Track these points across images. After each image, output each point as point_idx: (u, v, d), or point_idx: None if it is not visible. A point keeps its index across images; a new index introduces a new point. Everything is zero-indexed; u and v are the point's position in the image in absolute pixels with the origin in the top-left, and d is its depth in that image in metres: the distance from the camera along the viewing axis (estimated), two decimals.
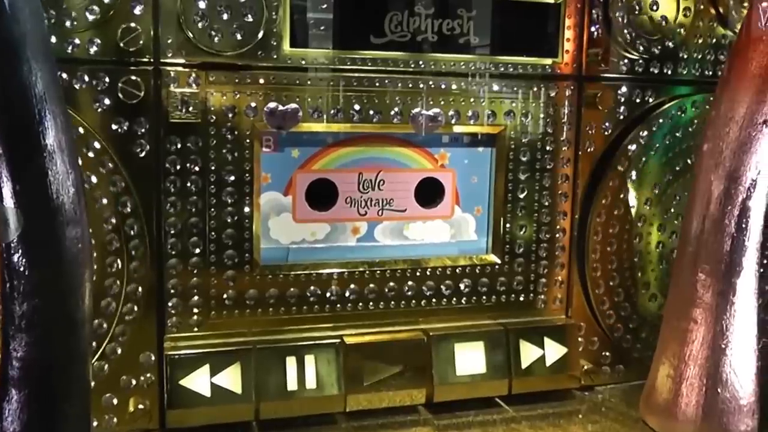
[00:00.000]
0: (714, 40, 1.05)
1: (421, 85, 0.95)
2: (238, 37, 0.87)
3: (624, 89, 1.02)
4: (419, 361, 0.95)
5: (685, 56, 1.04)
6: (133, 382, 0.89)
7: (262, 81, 0.89)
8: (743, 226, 0.86)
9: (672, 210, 1.04)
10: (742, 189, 0.86)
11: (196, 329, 0.91)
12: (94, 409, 0.81)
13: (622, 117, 1.02)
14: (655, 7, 1.00)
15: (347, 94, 0.93)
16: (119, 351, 0.88)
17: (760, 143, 0.85)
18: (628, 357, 1.06)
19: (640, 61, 1.02)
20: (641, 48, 1.01)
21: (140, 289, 0.88)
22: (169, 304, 0.90)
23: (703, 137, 0.89)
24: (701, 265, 0.88)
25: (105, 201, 0.85)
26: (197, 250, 0.89)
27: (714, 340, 0.88)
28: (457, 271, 0.99)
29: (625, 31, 1.00)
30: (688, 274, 0.89)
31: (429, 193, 1.01)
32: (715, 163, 0.87)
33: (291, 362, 0.90)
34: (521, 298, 1.02)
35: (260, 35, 0.88)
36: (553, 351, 1.00)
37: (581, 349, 1.04)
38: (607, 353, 1.06)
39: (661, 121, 1.03)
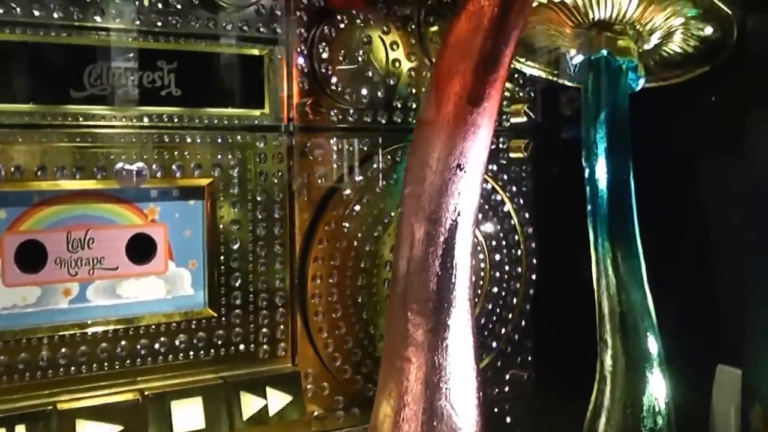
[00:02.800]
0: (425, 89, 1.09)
1: (123, 140, 0.92)
2: None
3: (335, 139, 1.04)
4: (136, 423, 0.91)
5: (399, 105, 1.08)
6: None
7: None
8: (448, 265, 0.90)
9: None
10: (443, 230, 0.89)
11: None
12: None
13: (335, 165, 1.04)
14: (363, 57, 1.04)
15: (50, 150, 0.89)
16: None
17: (456, 186, 0.89)
18: (363, 399, 1.07)
19: (352, 111, 1.05)
20: (352, 98, 1.04)
21: None
22: None
23: (404, 182, 0.92)
24: (410, 305, 0.91)
25: None
26: None
27: (428, 376, 0.90)
28: (173, 327, 0.97)
29: (334, 81, 1.02)
30: (399, 315, 0.92)
31: (141, 249, 0.97)
32: (415, 207, 0.90)
33: None
34: (242, 350, 1.01)
35: None
36: (277, 400, 1.00)
37: (310, 395, 1.05)
38: (340, 397, 1.07)
39: (375, 166, 1.06)
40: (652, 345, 0.95)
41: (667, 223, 1.07)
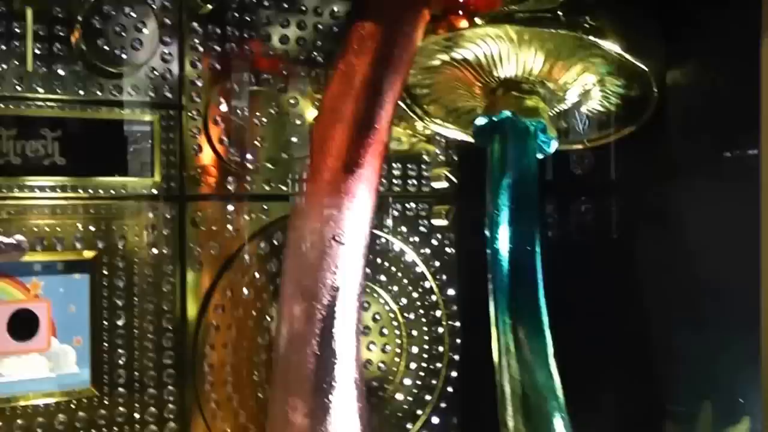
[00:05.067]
0: None
1: (3, 212, 0.89)
2: None
3: (230, 207, 0.99)
4: None
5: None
6: None
7: None
8: (328, 345, 0.84)
9: None
10: (321, 307, 0.83)
11: None
12: None
13: (230, 236, 0.99)
14: (260, 123, 0.99)
15: None
16: None
17: (333, 259, 0.83)
18: None
19: (248, 179, 1.00)
20: (248, 165, 0.99)
21: None
22: None
23: (283, 256, 0.87)
24: (289, 386, 0.85)
25: None
26: None
27: None
28: (52, 407, 0.92)
29: (228, 148, 0.98)
30: (278, 396, 0.86)
31: (23, 325, 0.93)
32: (292, 282, 0.84)
33: None
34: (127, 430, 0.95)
35: None
36: None
37: None
38: None
39: (271, 237, 1.01)
40: (558, 428, 0.87)
41: (578, 297, 0.99)
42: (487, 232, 0.91)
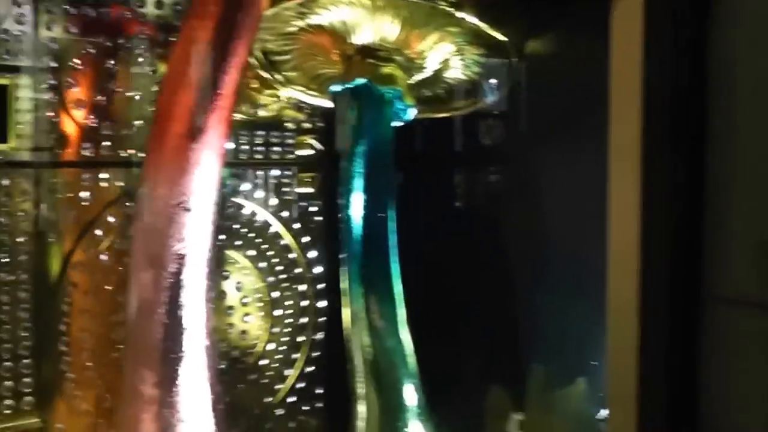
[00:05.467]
0: None
1: None
2: None
3: (88, 174, 0.97)
4: None
5: None
6: None
7: None
8: (175, 313, 0.83)
9: None
10: (168, 275, 0.82)
11: None
12: None
13: (88, 203, 0.97)
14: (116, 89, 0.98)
15: None
16: None
17: (179, 227, 0.82)
18: None
19: (106, 145, 0.98)
20: (105, 131, 0.97)
21: None
22: None
23: (133, 224, 0.85)
24: (137, 356, 0.84)
25: None
26: None
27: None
28: None
29: (86, 113, 0.96)
30: (128, 367, 0.85)
31: None
32: (141, 250, 0.83)
33: None
34: None
35: None
36: None
37: None
38: None
39: (130, 203, 0.99)
40: (410, 395, 0.87)
41: (434, 265, 1.00)
42: (341, 200, 0.91)
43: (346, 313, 0.90)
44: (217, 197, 0.84)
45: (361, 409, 0.88)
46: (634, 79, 0.78)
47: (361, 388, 0.88)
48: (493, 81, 0.97)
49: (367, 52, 0.92)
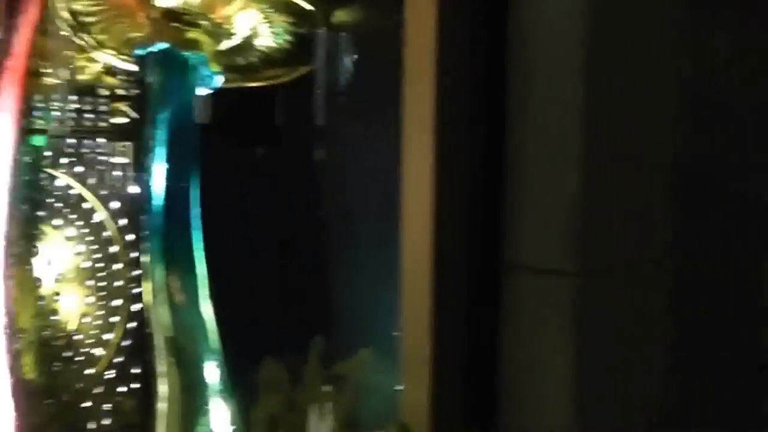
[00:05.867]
0: None
1: None
2: None
3: None
4: None
5: None
6: None
7: None
8: None
9: None
10: None
11: None
12: None
13: None
14: None
15: None
16: None
17: None
18: None
19: None
20: None
21: None
22: None
23: None
24: None
25: None
26: None
27: None
28: None
29: None
30: None
31: None
32: None
33: None
34: None
35: None
36: None
37: None
38: None
39: None
40: (211, 372, 0.85)
41: (241, 237, 0.97)
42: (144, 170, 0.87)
43: (146, 288, 0.86)
44: (23, 167, 0.80)
45: (163, 388, 0.85)
46: (429, 48, 0.77)
47: (162, 366, 0.85)
48: (305, 51, 0.95)
49: (172, 15, 0.88)
